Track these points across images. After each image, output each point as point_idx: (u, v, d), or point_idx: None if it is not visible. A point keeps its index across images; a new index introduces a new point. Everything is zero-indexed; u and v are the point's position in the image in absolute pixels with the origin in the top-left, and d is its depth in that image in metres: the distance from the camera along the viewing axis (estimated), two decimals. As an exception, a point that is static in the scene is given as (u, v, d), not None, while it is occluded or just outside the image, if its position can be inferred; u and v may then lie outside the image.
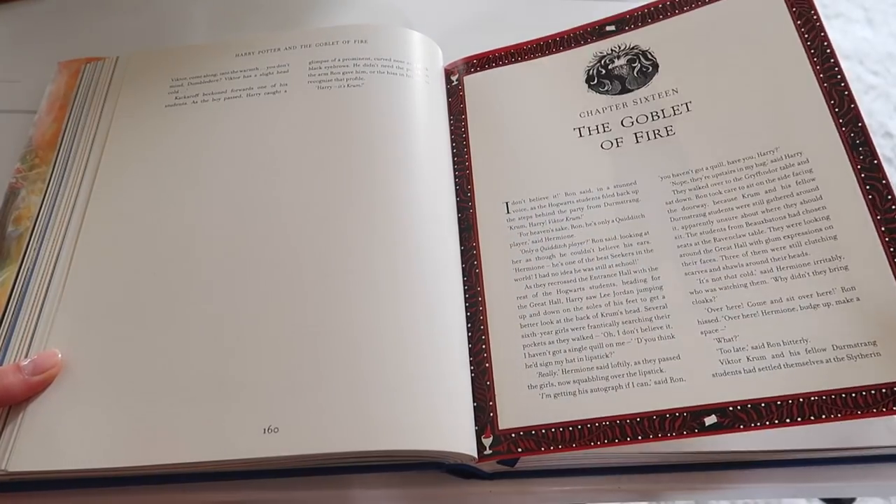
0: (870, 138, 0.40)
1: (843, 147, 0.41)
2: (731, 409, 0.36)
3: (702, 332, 0.39)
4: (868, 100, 1.37)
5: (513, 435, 0.38)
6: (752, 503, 0.78)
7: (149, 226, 0.44)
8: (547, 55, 0.51)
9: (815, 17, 0.45)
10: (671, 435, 0.36)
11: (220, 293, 0.41)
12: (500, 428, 0.39)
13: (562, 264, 0.43)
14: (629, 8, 0.51)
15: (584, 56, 0.50)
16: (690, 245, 0.41)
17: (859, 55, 1.43)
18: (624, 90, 0.48)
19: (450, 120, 0.50)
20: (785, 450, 0.39)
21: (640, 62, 0.49)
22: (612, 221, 0.43)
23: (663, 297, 0.40)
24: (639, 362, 0.39)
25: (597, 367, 0.39)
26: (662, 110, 0.46)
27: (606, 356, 0.39)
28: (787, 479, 0.40)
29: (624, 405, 0.38)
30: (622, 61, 0.49)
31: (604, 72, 0.49)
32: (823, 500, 0.92)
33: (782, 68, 0.44)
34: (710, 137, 0.44)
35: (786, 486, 0.40)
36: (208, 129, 0.48)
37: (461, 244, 0.45)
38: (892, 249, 0.38)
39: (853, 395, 0.35)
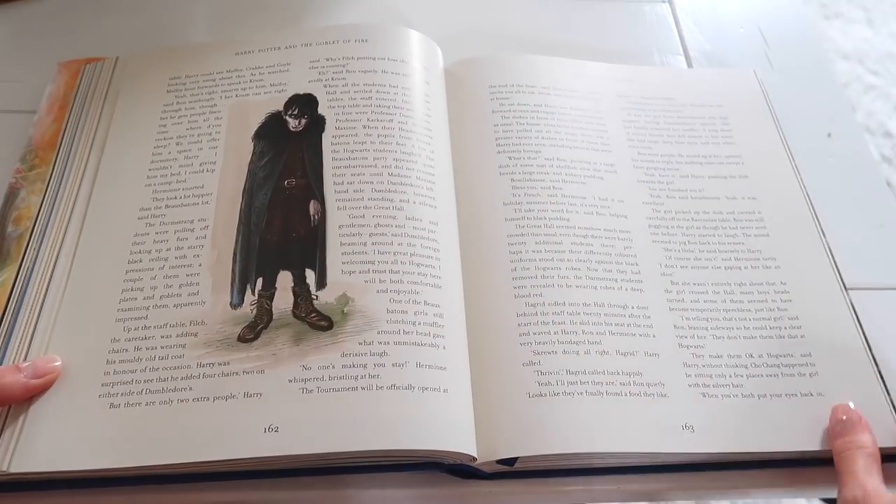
0: None
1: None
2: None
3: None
4: (868, 100, 1.37)
5: None
6: (752, 503, 0.78)
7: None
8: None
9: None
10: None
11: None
12: None
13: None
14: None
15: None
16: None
17: (859, 55, 1.43)
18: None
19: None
20: (785, 450, 0.39)
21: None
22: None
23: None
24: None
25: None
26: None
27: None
28: (786, 479, 0.40)
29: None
30: None
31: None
32: (823, 500, 0.92)
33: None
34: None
35: (785, 487, 0.40)
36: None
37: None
38: None
39: None
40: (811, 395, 0.41)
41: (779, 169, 0.51)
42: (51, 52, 0.54)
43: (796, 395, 0.41)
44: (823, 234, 0.48)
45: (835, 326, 0.44)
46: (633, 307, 0.43)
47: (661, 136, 0.52)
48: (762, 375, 0.41)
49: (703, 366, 0.41)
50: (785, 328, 0.43)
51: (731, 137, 0.52)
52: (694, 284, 0.45)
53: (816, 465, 0.40)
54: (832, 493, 0.38)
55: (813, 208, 0.49)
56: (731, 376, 0.41)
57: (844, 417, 0.39)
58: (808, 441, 0.39)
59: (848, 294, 0.45)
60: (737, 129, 0.53)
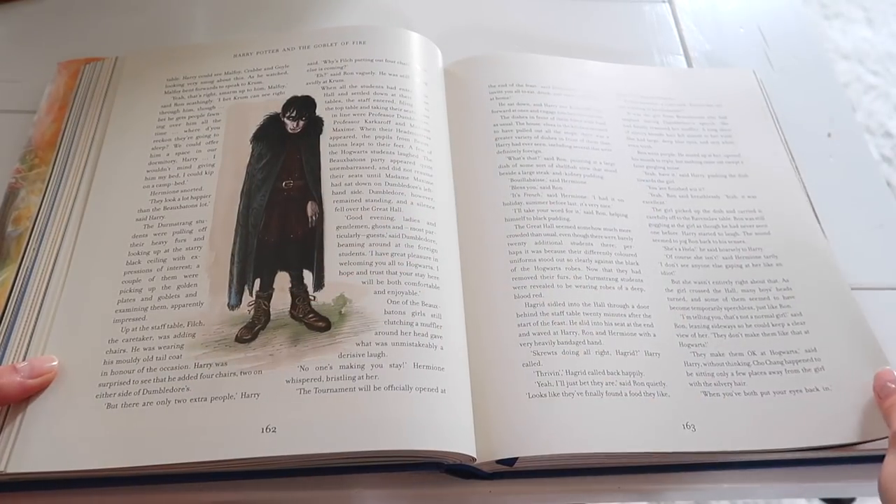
0: None
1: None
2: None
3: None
4: (868, 100, 1.37)
5: None
6: (752, 503, 0.78)
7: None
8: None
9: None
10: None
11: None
12: None
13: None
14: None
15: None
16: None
17: (859, 55, 1.43)
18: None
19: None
20: (784, 449, 0.39)
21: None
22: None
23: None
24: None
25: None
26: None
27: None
28: (787, 479, 0.40)
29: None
30: None
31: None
32: (823, 500, 0.92)
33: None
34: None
35: (786, 486, 0.40)
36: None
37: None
38: None
39: None
40: (817, 389, 0.40)
41: (778, 168, 0.51)
42: (51, 52, 0.54)
43: (801, 390, 0.40)
44: (823, 233, 0.48)
45: (842, 320, 0.43)
46: (633, 306, 0.43)
47: (661, 135, 0.52)
48: (765, 373, 0.41)
49: (705, 364, 0.41)
50: (788, 325, 0.43)
51: (731, 137, 0.52)
52: (694, 283, 0.45)
53: (817, 465, 0.40)
54: (833, 493, 0.38)
55: (813, 207, 0.49)
56: (732, 374, 0.41)
57: (892, 384, 0.39)
58: (814, 437, 0.39)
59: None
60: (735, 129, 0.53)
